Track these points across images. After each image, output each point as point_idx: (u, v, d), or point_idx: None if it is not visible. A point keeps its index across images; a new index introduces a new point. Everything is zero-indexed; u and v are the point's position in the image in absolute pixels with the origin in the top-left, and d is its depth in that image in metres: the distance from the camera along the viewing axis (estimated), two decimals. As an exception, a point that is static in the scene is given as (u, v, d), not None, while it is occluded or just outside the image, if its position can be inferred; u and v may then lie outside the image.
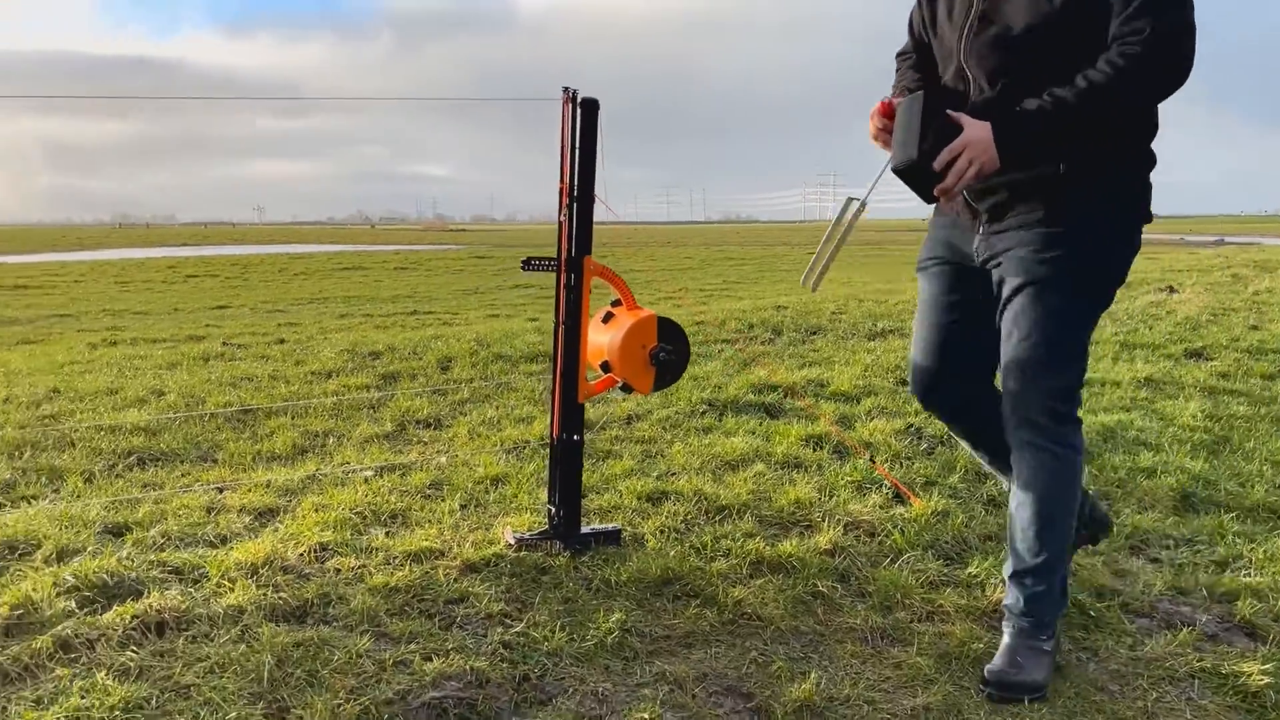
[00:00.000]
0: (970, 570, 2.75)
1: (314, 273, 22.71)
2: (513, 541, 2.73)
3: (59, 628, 2.15)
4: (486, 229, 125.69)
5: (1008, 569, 2.33)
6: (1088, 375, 5.08)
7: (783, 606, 2.51)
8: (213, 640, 2.17)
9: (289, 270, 23.44)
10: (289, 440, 3.89)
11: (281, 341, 6.92)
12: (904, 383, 5.07)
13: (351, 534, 2.80)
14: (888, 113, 2.25)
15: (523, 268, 2.68)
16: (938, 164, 2.10)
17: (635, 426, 4.16)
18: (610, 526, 2.85)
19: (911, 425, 4.05)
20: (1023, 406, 2.22)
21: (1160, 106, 2.13)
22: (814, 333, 6.86)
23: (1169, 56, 2.00)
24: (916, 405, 4.42)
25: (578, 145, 2.60)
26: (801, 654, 2.34)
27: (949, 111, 2.14)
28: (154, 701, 1.92)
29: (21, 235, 69.02)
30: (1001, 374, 2.26)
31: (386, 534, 2.84)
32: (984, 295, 2.30)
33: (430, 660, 2.14)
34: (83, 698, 1.90)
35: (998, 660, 2.23)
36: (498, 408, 4.50)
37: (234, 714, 1.89)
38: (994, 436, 2.38)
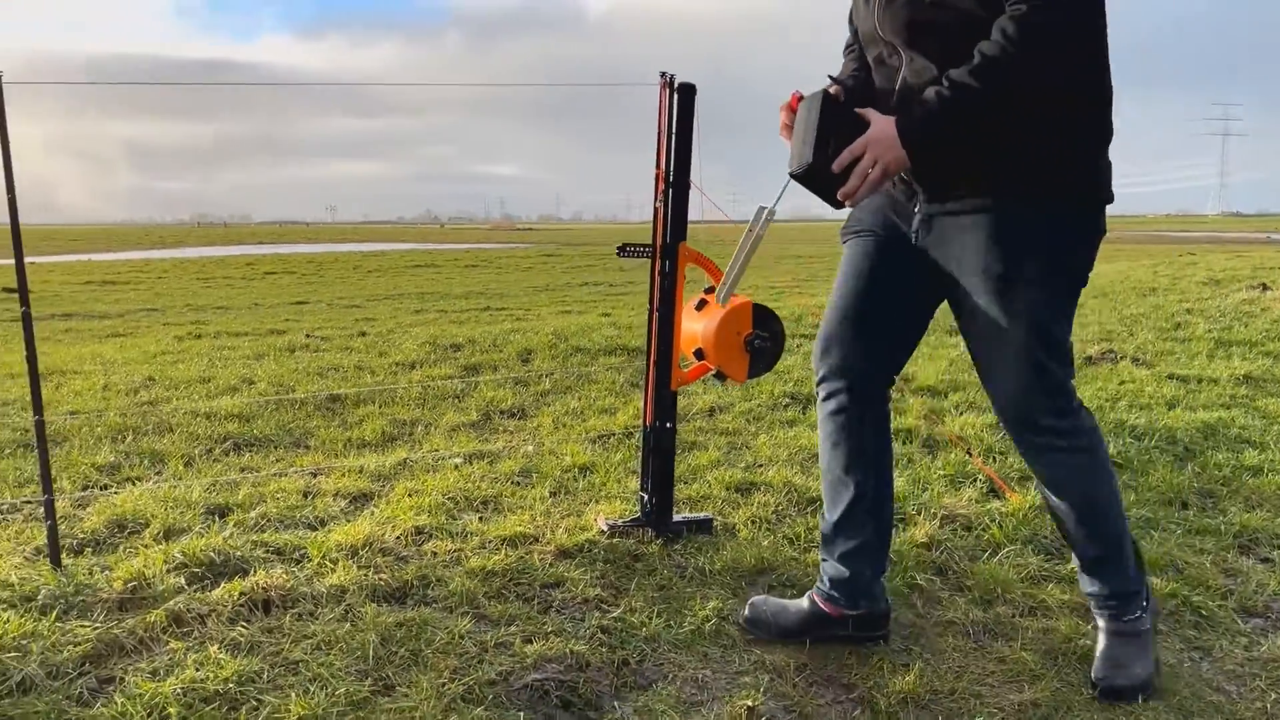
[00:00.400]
0: (1072, 566, 2.67)
1: (387, 270, 23.08)
2: (605, 528, 2.73)
3: (171, 602, 2.20)
4: (553, 228, 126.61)
5: (1075, 564, 2.26)
6: (1185, 372, 4.92)
7: (880, 598, 2.47)
8: (318, 618, 2.20)
9: (363, 267, 23.86)
10: (378, 428, 3.94)
11: (363, 334, 7.03)
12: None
13: (446, 518, 2.83)
14: (795, 105, 2.09)
15: (618, 253, 2.67)
16: (837, 166, 1.95)
17: (718, 419, 4.14)
18: (702, 515, 2.84)
19: (1002, 420, 3.96)
20: (1024, 412, 2.07)
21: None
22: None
23: (1059, 11, 1.80)
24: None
25: (674, 130, 2.58)
26: (902, 646, 2.29)
27: (856, 109, 2.01)
28: (265, 675, 1.96)
29: (106, 234, 71.40)
30: (988, 382, 2.10)
31: (479, 519, 2.86)
32: (914, 273, 2.13)
33: (530, 643, 2.15)
34: (197, 670, 1.95)
35: (1100, 664, 2.15)
36: (580, 399, 4.51)
37: (343, 689, 1.91)
38: (860, 436, 2.24)
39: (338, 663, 2.01)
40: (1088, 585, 2.23)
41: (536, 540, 2.69)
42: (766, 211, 2.19)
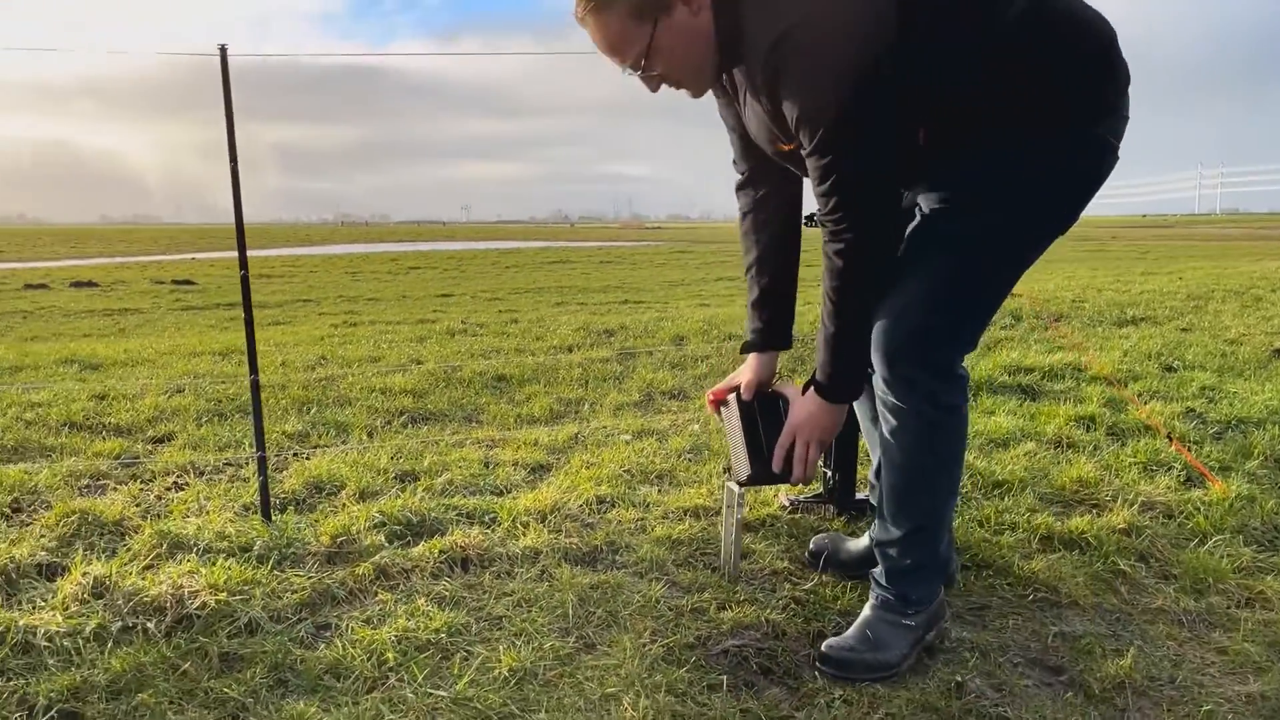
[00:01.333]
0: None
1: (524, 265, 23.57)
2: (787, 504, 2.70)
3: (376, 557, 2.28)
4: (682, 226, 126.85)
5: (874, 535, 2.10)
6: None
7: (1082, 583, 2.36)
8: (514, 577, 2.25)
9: (500, 263, 24.44)
10: (545, 405, 4.01)
11: (514, 321, 7.18)
12: (1170, 368, 4.73)
13: (625, 489, 2.85)
14: (716, 410, 2.24)
15: (805, 224, 2.63)
16: (776, 466, 2.05)
17: (885, 403, 4.04)
18: (884, 494, 2.77)
19: (1191, 409, 3.75)
20: (887, 350, 1.89)
21: None
22: (1056, 320, 6.50)
23: (867, 225, 1.81)
24: (1194, 389, 4.12)
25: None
26: (1110, 632, 2.18)
27: (772, 389, 2.13)
28: (472, 629, 2.01)
29: (257, 232, 75.21)
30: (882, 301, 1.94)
31: (658, 491, 2.87)
32: None
33: (725, 610, 2.13)
34: (408, 620, 2.01)
35: (849, 633, 2.00)
36: (739, 382, 4.49)
37: (549, 644, 1.94)
38: None
39: (539, 619, 2.05)
40: (877, 567, 2.08)
41: (717, 513, 2.68)
42: (739, 494, 2.25)
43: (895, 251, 1.91)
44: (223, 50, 2.20)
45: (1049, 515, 2.69)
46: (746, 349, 2.25)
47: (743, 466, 2.14)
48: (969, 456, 3.18)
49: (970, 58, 1.81)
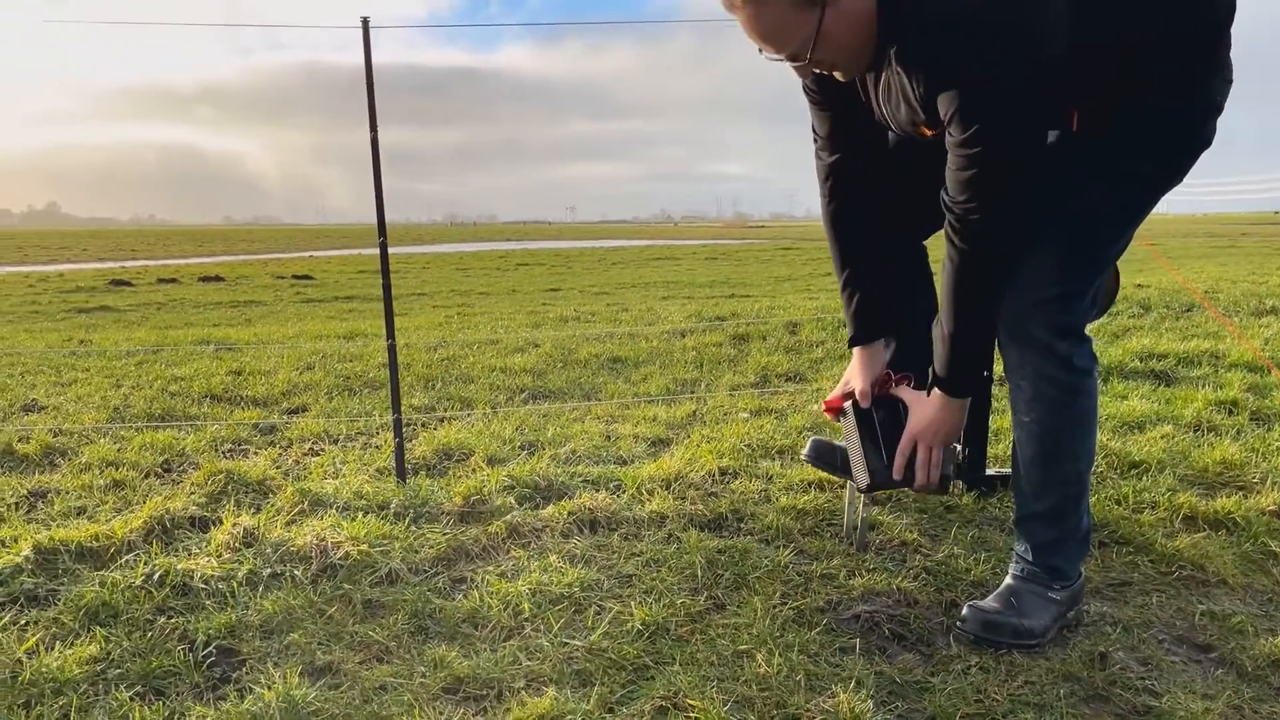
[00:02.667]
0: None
1: (629, 262, 23.70)
2: (913, 479, 2.66)
3: (507, 517, 2.33)
4: (786, 225, 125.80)
5: (1016, 514, 2.03)
6: None
7: (1230, 563, 2.26)
8: (642, 539, 2.27)
9: (606, 260, 24.63)
10: (661, 385, 4.03)
11: (625, 310, 7.23)
12: (1317, 357, 4.49)
13: (746, 461, 2.85)
14: (835, 417, 2.16)
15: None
16: (897, 473, 2.01)
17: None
18: (1015, 471, 2.70)
19: (1345, 396, 3.55)
20: (1019, 319, 1.86)
21: None
22: (1187, 310, 6.24)
23: (998, 219, 1.77)
24: (1346, 376, 3.90)
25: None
26: (1262, 612, 2.09)
27: (890, 391, 2.05)
28: (604, 585, 2.03)
29: (370, 231, 77.31)
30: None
31: (779, 465, 2.86)
32: None
33: (854, 577, 2.11)
34: (542, 575, 2.05)
35: (992, 599, 1.94)
36: (857, 366, 4.43)
37: (680, 601, 1.95)
38: None
39: (669, 579, 2.06)
40: (1019, 543, 2.01)
41: (842, 486, 2.65)
42: (862, 496, 2.23)
43: (1018, 244, 1.85)
44: (365, 21, 2.28)
45: (1191, 495, 2.59)
46: (852, 343, 2.20)
47: (862, 475, 2.09)
48: (1102, 437, 3.08)
49: (1119, 32, 1.77)
